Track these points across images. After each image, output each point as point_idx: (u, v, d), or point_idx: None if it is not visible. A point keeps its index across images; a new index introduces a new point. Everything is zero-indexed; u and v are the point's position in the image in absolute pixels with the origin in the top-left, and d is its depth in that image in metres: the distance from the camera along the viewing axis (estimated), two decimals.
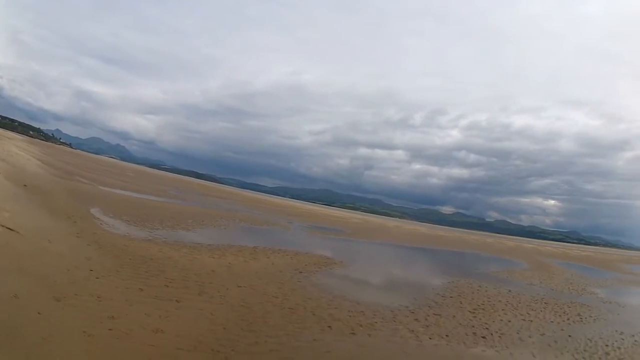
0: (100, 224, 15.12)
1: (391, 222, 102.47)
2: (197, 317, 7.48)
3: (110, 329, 6.10)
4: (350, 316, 9.47)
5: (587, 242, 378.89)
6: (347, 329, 8.54)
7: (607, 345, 10.61)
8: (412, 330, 9.18)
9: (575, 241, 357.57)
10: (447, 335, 9.25)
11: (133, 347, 5.80)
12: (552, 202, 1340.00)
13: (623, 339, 11.52)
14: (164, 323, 6.85)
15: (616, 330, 12.49)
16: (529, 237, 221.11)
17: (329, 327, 8.47)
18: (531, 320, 12.08)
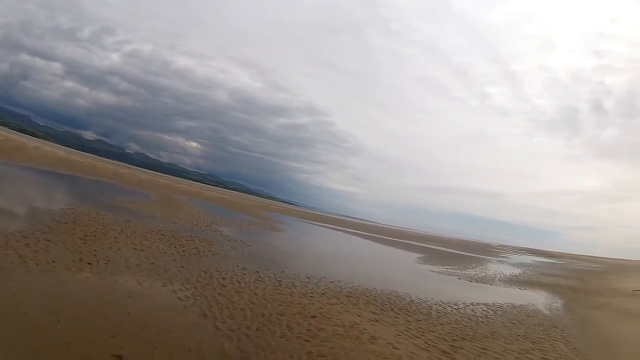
0: None
1: (32, 143, 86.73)
2: None
3: None
4: None
5: (227, 187, 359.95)
6: None
7: (224, 278, 11.00)
8: (22, 256, 8.94)
9: (214, 184, 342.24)
10: (53, 261, 9.12)
11: None
12: (194, 144, 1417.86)
13: (245, 275, 11.96)
14: None
15: (238, 266, 12.91)
16: (167, 174, 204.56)
17: None
18: (142, 250, 12.33)
